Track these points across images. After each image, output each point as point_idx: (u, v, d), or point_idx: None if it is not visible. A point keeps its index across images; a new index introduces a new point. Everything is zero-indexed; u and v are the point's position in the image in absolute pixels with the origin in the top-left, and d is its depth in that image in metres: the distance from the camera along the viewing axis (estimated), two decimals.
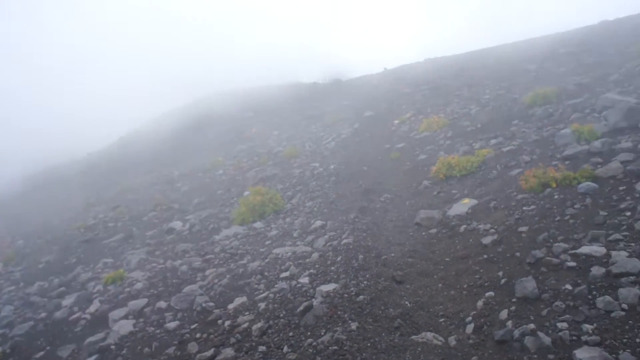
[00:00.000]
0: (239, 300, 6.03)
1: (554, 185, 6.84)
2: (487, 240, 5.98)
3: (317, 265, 6.43)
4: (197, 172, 20.05)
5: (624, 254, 4.52)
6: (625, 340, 3.52)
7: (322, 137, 17.76)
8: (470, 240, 6.25)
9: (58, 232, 16.34)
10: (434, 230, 7.00)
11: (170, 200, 15.31)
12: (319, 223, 8.21)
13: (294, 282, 6.07)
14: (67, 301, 7.98)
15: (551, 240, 5.38)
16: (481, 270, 5.34)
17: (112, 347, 5.82)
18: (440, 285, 5.39)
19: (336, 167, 12.17)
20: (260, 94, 39.46)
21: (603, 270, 4.40)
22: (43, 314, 7.73)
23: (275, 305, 5.61)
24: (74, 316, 7.21)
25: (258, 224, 9.49)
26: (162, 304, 6.61)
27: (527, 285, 4.55)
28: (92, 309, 7.22)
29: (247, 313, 5.62)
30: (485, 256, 5.61)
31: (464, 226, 6.72)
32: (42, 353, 6.35)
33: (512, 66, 20.38)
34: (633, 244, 4.69)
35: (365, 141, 14.73)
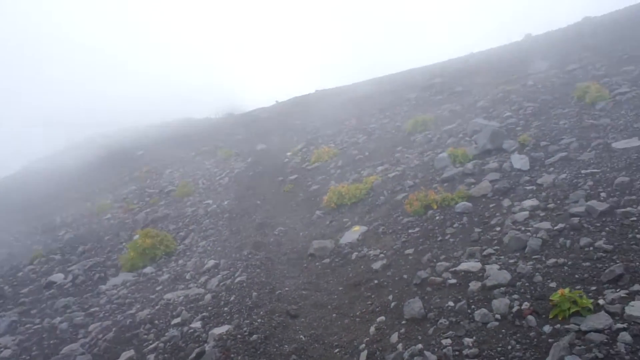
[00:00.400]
0: (126, 354, 5.57)
1: (435, 207, 7.27)
2: (377, 265, 6.15)
3: (210, 308, 6.17)
4: (82, 217, 18.60)
5: (495, 267, 4.87)
6: (499, 348, 3.75)
7: (215, 173, 17.42)
8: (362, 266, 6.38)
9: None
10: (327, 260, 7.07)
11: (50, 251, 13.97)
12: (212, 262, 7.93)
13: (185, 328, 5.75)
14: None
15: (434, 260, 5.66)
16: (373, 296, 5.45)
17: None
18: (334, 315, 5.41)
19: (230, 203, 11.95)
20: (152, 131, 38.04)
21: (479, 284, 4.69)
22: None
23: (166, 355, 5.27)
24: None
25: (148, 269, 8.95)
26: None
27: (414, 306, 4.71)
28: None
29: None
30: (376, 281, 5.75)
31: (356, 253, 6.86)
32: None
33: (394, 95, 21.69)
34: (503, 257, 5.08)
35: (259, 175, 14.69)
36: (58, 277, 10.49)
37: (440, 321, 4.39)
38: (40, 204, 26.84)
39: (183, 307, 6.43)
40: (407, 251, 6.23)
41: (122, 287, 8.45)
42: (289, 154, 16.03)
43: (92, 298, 8.39)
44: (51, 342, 6.72)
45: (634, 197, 5.23)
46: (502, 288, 4.44)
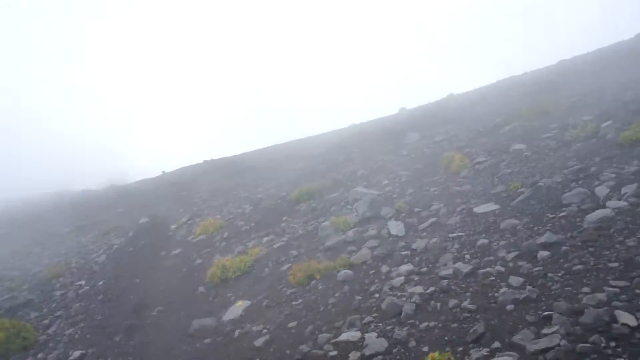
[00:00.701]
0: None
1: (318, 276, 7.29)
2: (259, 342, 5.92)
3: None
4: None
5: (374, 335, 4.92)
6: None
7: (92, 249, 16.09)
8: (244, 344, 6.11)
9: None
10: (208, 340, 6.68)
11: None
12: (77, 353, 7.11)
13: None
14: None
15: (316, 332, 5.59)
16: None
17: None
18: None
19: (105, 283, 10.99)
20: (21, 204, 34.56)
21: (359, 354, 4.69)
22: None
23: None
24: None
25: None
26: None
27: None
28: None
29: None
30: (257, 359, 5.51)
31: (238, 330, 6.58)
32: None
33: (281, 165, 22.13)
34: (381, 324, 5.17)
35: (140, 250, 13.82)
36: None
37: None
38: None
39: None
40: (290, 324, 6.10)
41: None
42: (173, 226, 15.38)
43: None
44: None
45: (492, 257, 5.69)
46: (379, 357, 4.48)
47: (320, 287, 6.93)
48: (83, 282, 11.78)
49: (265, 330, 6.23)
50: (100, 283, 11.14)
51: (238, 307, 7.34)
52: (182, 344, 6.82)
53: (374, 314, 5.48)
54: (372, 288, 6.22)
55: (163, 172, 36.64)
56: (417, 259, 6.64)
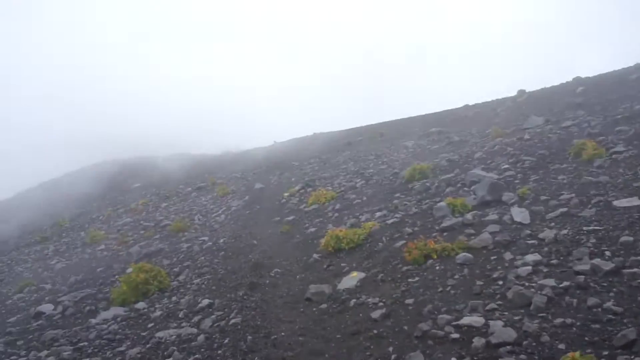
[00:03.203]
0: None
1: (435, 256, 7.22)
2: (376, 314, 6.03)
3: (202, 350, 5.99)
4: (75, 247, 18.33)
5: (499, 323, 4.79)
6: None
7: (212, 209, 17.35)
8: (360, 314, 6.26)
9: None
10: (324, 306, 6.93)
11: (41, 280, 13.69)
12: (206, 302, 7.76)
13: None
14: None
15: (436, 312, 5.57)
16: (372, 347, 5.32)
17: None
18: None
19: (226, 241, 11.84)
20: (148, 164, 38.08)
21: (483, 340, 4.60)
22: None
23: None
24: None
25: (141, 304, 8.74)
26: None
27: None
28: None
29: None
30: (375, 331, 5.62)
31: (354, 300, 6.74)
32: None
33: (392, 143, 21.97)
34: (507, 313, 5.01)
35: (256, 214, 14.63)
36: (47, 307, 10.24)
37: None
38: (33, 230, 26.49)
39: (175, 348, 6.23)
40: (407, 301, 6.13)
41: (112, 322, 8.21)
42: (286, 194, 16.03)
43: (81, 332, 8.13)
44: None
45: (639, 257, 5.23)
46: (508, 347, 4.35)
47: (437, 268, 6.86)
48: (206, 238, 12.79)
49: (381, 304, 6.33)
50: (221, 241, 12.01)
51: (353, 278, 7.51)
52: (299, 306, 7.16)
53: (498, 302, 5.33)
54: (495, 275, 6.03)
55: (275, 142, 38.17)
56: (545, 249, 6.31)
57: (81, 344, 7.48)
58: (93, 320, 8.65)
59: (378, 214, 10.67)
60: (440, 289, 6.17)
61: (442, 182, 11.68)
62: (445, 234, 8.13)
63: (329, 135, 33.94)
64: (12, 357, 7.71)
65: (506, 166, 11.42)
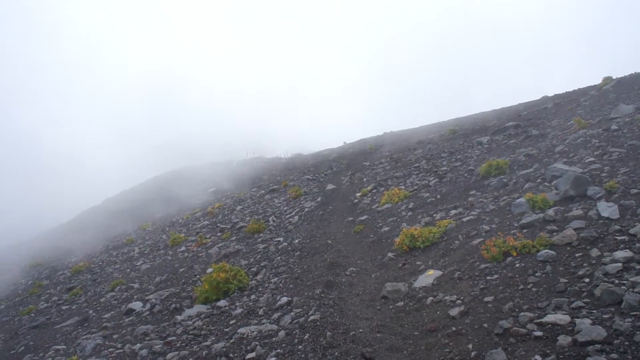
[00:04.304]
0: None
1: (515, 253, 7.01)
2: (454, 311, 5.97)
3: (284, 345, 6.21)
4: (158, 249, 19.49)
5: (587, 321, 4.59)
6: None
7: (285, 211, 17.78)
8: (438, 312, 6.22)
9: (5, 318, 15.25)
10: (400, 303, 6.95)
11: (129, 279, 14.71)
12: (284, 299, 8.02)
13: None
14: None
15: (517, 310, 5.42)
16: (451, 344, 5.28)
17: None
18: None
19: (301, 242, 12.11)
20: (223, 169, 39.70)
21: (569, 339, 4.44)
22: None
23: None
24: None
25: (222, 303, 9.18)
26: None
27: (498, 357, 4.52)
28: None
29: None
30: (453, 328, 5.57)
31: (431, 298, 6.70)
32: None
33: (465, 139, 21.39)
34: (595, 311, 4.79)
35: (329, 214, 14.83)
36: (137, 305, 10.99)
37: None
38: (119, 234, 28.45)
39: (257, 343, 6.51)
40: (486, 299, 6.01)
41: (197, 319, 8.70)
42: (358, 194, 16.11)
43: (169, 327, 8.69)
44: None
45: None
46: (597, 345, 4.17)
47: (517, 265, 6.65)
48: (281, 239, 13.14)
49: (459, 301, 6.25)
50: (296, 241, 12.30)
51: (429, 276, 7.46)
52: (376, 303, 7.22)
53: (585, 299, 5.10)
54: (581, 272, 5.76)
55: (344, 142, 38.40)
56: (637, 245, 5.92)
57: (170, 339, 7.99)
58: (179, 317, 9.19)
59: (453, 211, 10.48)
60: (521, 287, 5.98)
61: (521, 177, 11.26)
62: (524, 230, 7.86)
63: (399, 134, 33.64)
64: (110, 349, 8.39)
65: (591, 159, 10.79)
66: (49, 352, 9.48)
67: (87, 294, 15.20)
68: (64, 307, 14.31)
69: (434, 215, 10.80)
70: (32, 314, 14.79)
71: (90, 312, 12.29)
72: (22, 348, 10.62)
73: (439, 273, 7.49)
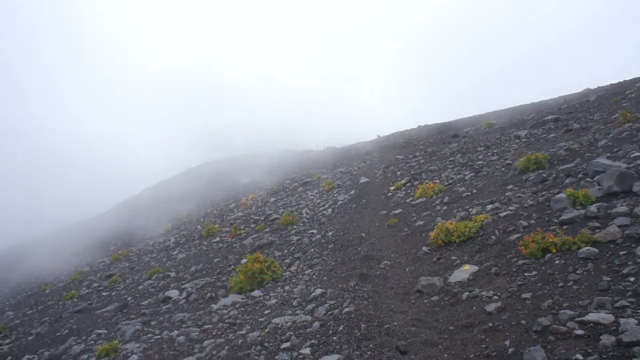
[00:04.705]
0: None
1: (554, 250, 6.84)
2: (490, 307, 5.89)
3: (318, 335, 6.26)
4: (193, 239, 19.90)
5: (632, 321, 4.46)
6: None
7: (318, 203, 17.84)
8: (474, 307, 6.15)
9: (49, 302, 15.90)
10: (435, 298, 6.90)
11: (166, 268, 15.08)
12: (318, 291, 8.07)
13: (295, 353, 5.88)
14: None
15: (556, 307, 5.30)
16: (487, 340, 5.21)
17: None
18: (446, 355, 5.24)
19: (334, 234, 12.14)
20: (255, 161, 40.11)
21: (613, 339, 4.32)
22: None
23: None
24: None
25: (256, 293, 9.32)
26: None
27: (536, 355, 4.44)
28: None
29: None
30: (490, 324, 5.50)
31: (466, 293, 6.63)
32: None
33: (502, 133, 20.94)
34: None
35: (362, 208, 14.80)
36: (173, 293, 11.27)
37: None
38: (155, 224, 29.17)
39: (292, 333, 6.58)
40: (524, 295, 5.90)
41: (232, 308, 8.86)
42: (392, 188, 16.01)
43: (205, 315, 8.89)
44: (170, 352, 7.20)
45: None
46: None
47: (557, 262, 6.50)
48: (315, 231, 13.21)
49: (496, 297, 6.16)
50: (330, 234, 12.34)
51: (465, 271, 7.37)
52: (410, 297, 7.20)
53: (630, 299, 4.94)
54: (625, 270, 5.58)
55: (378, 136, 38.18)
56: None
57: (206, 326, 8.18)
58: (214, 306, 9.39)
59: (489, 206, 10.30)
60: (560, 284, 5.85)
61: (561, 172, 10.95)
62: (565, 227, 7.65)
63: (434, 127, 33.18)
64: (149, 335, 8.65)
65: (637, 154, 10.40)
66: (91, 336, 9.85)
67: (125, 282, 15.68)
68: (104, 294, 14.81)
69: (470, 209, 10.64)
70: (75, 299, 15.37)
71: (129, 298, 12.67)
72: (66, 331, 11.06)
73: (475, 268, 7.40)
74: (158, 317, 9.86)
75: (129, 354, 7.59)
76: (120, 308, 11.76)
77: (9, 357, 10.18)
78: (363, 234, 11.42)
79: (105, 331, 10.00)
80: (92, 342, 9.41)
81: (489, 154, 16.47)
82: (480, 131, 24.51)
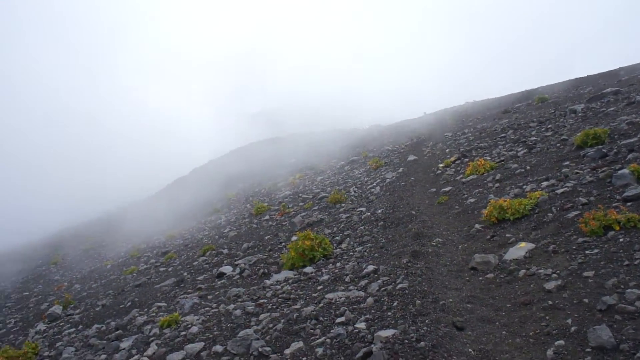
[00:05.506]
0: (296, 345, 5.98)
1: (618, 227, 6.60)
2: (550, 285, 5.78)
3: (372, 311, 6.34)
4: (243, 217, 20.36)
5: None
6: None
7: (366, 181, 17.82)
8: (532, 285, 6.05)
9: (112, 277, 16.77)
10: (490, 275, 6.83)
11: (218, 245, 15.54)
12: (371, 268, 8.13)
13: (350, 328, 5.99)
14: (125, 344, 8.13)
15: (622, 286, 5.15)
16: (547, 317, 5.14)
17: None
18: (504, 332, 5.21)
19: (384, 212, 12.13)
20: (303, 141, 40.33)
21: None
22: (103, 356, 7.89)
23: (333, 350, 5.54)
24: (133, 359, 7.31)
25: (308, 269, 9.49)
26: (218, 347, 6.62)
27: (602, 333, 4.34)
28: (149, 352, 7.31)
29: (305, 358, 5.56)
30: (549, 302, 5.41)
31: (523, 271, 6.52)
32: None
33: (556, 107, 20.14)
34: None
35: (411, 185, 14.68)
36: (227, 269, 11.64)
37: (638, 355, 3.98)
38: (205, 203, 30.01)
39: (346, 308, 6.69)
40: (586, 273, 5.74)
41: (285, 284, 9.07)
42: (441, 165, 15.78)
43: (259, 290, 9.15)
44: (228, 325, 7.48)
45: None
46: None
47: (621, 240, 6.27)
48: (364, 209, 13.24)
49: (555, 275, 6.03)
50: (379, 211, 12.34)
51: (520, 248, 7.24)
52: (464, 274, 7.15)
53: None
54: None
55: (425, 113, 37.52)
56: None
57: (261, 301, 8.41)
58: (267, 281, 9.63)
59: (545, 183, 10.00)
60: (626, 262, 5.66)
61: (622, 147, 10.46)
62: (628, 204, 7.35)
63: (483, 104, 32.26)
64: (206, 308, 9.00)
65: None
66: (152, 308, 10.35)
67: (180, 258, 16.30)
68: (161, 269, 15.47)
69: (524, 187, 10.36)
70: (134, 274, 16.16)
71: (185, 274, 13.18)
72: (129, 303, 11.68)
73: (531, 246, 7.24)
74: (214, 292, 10.22)
75: (189, 325, 7.95)
76: (177, 283, 12.26)
77: (80, 326, 10.89)
78: (413, 212, 11.35)
79: (165, 304, 10.47)
80: (154, 314, 9.89)
81: (543, 129, 15.89)
82: (533, 106, 23.64)
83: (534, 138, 14.87)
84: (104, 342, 8.85)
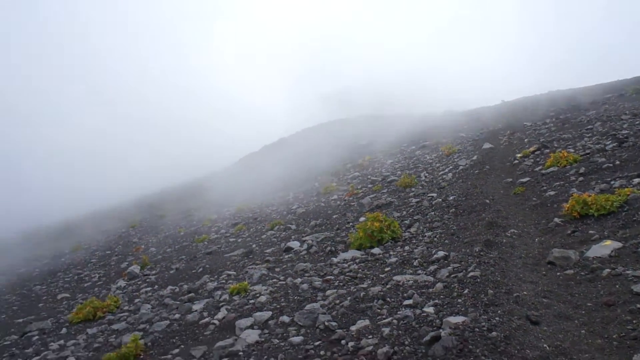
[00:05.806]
0: (362, 323, 6.04)
1: None
2: (638, 288, 5.42)
3: (442, 296, 6.26)
4: (311, 195, 20.65)
5: None
6: None
7: (437, 167, 17.46)
8: (617, 286, 5.71)
9: (185, 243, 17.65)
10: (570, 271, 6.51)
11: (287, 221, 15.89)
12: (441, 253, 8.00)
13: (418, 311, 5.95)
14: (197, 306, 8.56)
15: None
16: (634, 321, 4.83)
17: (240, 353, 6.09)
18: (583, 331, 4.97)
19: (456, 199, 11.85)
20: (372, 124, 40.05)
21: None
22: (176, 315, 8.38)
23: (400, 331, 5.53)
24: (204, 320, 7.70)
25: (376, 250, 9.50)
26: (285, 318, 6.82)
27: None
28: (219, 315, 7.66)
29: (371, 337, 5.60)
30: (637, 305, 5.08)
31: (607, 270, 6.16)
32: (177, 350, 6.84)
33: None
34: None
35: (485, 174, 14.21)
36: (295, 244, 11.89)
37: None
38: (272, 181, 30.68)
39: (414, 291, 6.65)
40: None
41: (352, 262, 9.14)
42: (518, 155, 15.13)
43: (325, 267, 9.29)
44: (295, 297, 7.67)
45: None
46: None
47: None
48: (435, 195, 13.00)
49: None
50: (451, 198, 12.06)
51: (606, 246, 6.83)
52: (541, 268, 6.87)
53: None
54: None
55: (502, 100, 35.97)
56: None
57: (328, 277, 8.54)
58: (334, 259, 9.74)
59: (637, 180, 9.33)
60: None
61: None
62: None
63: (567, 93, 30.41)
64: (274, 280, 9.26)
65: None
66: (222, 276, 10.81)
67: (249, 230, 16.84)
68: (230, 240, 16.08)
69: (612, 182, 9.72)
70: (206, 242, 16.91)
71: (254, 246, 13.62)
72: (201, 269, 12.27)
73: (618, 244, 6.81)
74: (281, 265, 10.49)
75: (258, 295, 8.23)
76: (246, 254, 12.69)
77: (156, 286, 11.61)
78: (487, 201, 11.00)
79: (234, 273, 10.90)
80: (224, 281, 10.33)
81: (637, 122, 14.75)
82: (626, 97, 21.99)
83: (626, 131, 13.86)
84: (178, 302, 9.39)
